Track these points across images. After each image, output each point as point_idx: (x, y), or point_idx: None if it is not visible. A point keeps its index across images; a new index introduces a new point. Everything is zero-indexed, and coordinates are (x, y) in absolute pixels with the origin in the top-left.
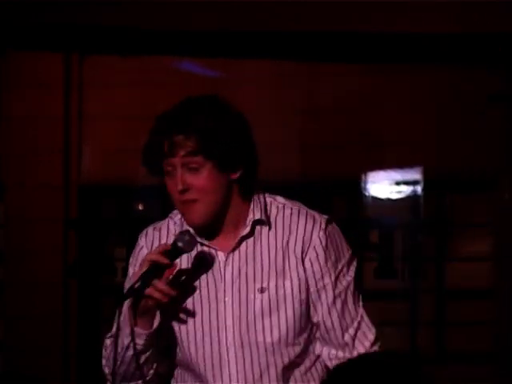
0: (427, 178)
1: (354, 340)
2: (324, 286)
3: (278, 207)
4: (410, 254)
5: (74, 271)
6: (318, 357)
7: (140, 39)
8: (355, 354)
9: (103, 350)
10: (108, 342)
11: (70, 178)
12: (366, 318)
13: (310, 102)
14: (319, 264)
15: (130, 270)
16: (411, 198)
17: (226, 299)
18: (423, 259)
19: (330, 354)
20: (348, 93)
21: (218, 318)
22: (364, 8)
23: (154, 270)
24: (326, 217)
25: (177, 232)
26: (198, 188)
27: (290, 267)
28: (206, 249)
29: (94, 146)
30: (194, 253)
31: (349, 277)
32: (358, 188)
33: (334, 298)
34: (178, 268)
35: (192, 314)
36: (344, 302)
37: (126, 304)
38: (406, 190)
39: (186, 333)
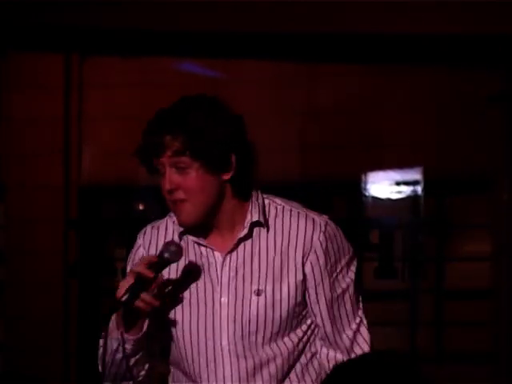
0: (427, 178)
1: (352, 343)
2: (323, 288)
3: (276, 209)
4: (410, 254)
5: (74, 271)
6: (314, 354)
7: (140, 40)
8: (353, 356)
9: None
10: (101, 342)
11: (70, 179)
12: (364, 321)
13: (310, 103)
14: (319, 267)
15: (128, 269)
16: (411, 199)
17: (222, 300)
18: (423, 259)
19: (328, 356)
20: (348, 93)
21: (213, 318)
22: (363, 9)
23: (141, 283)
24: (325, 217)
25: (175, 231)
26: (186, 188)
27: (288, 270)
28: (203, 249)
29: (94, 147)
30: (191, 251)
31: (348, 278)
32: (358, 188)
33: (334, 300)
34: (164, 279)
35: (188, 313)
36: (343, 305)
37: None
38: (405, 190)
39: (182, 332)
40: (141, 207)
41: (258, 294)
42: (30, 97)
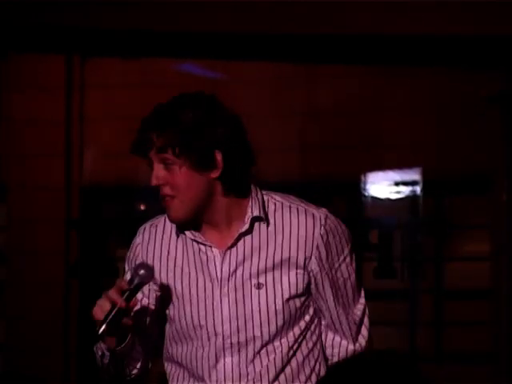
0: (426, 178)
1: (358, 330)
2: (328, 279)
3: (275, 204)
4: (410, 254)
5: (74, 271)
6: (311, 350)
7: (140, 41)
8: (357, 345)
9: None
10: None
11: (72, 179)
12: (367, 310)
13: (310, 103)
14: (322, 260)
15: (126, 267)
16: (410, 199)
17: (223, 294)
18: (422, 259)
19: (333, 341)
20: (348, 94)
21: (214, 313)
22: (363, 10)
23: (117, 311)
24: (324, 210)
25: (173, 228)
26: (173, 184)
27: (289, 264)
28: (201, 246)
29: (94, 147)
30: (190, 248)
31: (350, 267)
32: (357, 188)
33: (338, 289)
34: (138, 305)
35: (189, 310)
36: (347, 293)
37: None
38: (405, 190)
39: (184, 329)
40: (141, 207)
41: (259, 287)
42: (31, 98)
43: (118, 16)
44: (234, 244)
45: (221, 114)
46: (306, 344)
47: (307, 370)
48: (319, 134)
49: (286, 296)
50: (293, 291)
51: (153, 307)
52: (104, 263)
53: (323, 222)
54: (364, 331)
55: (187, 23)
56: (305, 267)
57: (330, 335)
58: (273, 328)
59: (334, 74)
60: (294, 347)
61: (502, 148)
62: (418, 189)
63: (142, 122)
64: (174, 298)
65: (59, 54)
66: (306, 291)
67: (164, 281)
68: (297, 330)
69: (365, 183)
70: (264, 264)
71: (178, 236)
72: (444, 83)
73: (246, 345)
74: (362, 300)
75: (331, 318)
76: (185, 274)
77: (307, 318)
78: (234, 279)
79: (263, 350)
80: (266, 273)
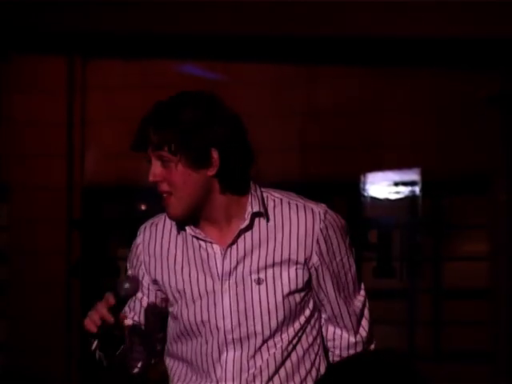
0: (425, 179)
1: (358, 322)
2: (328, 272)
3: (274, 201)
4: (409, 253)
5: (76, 271)
6: (316, 338)
7: (141, 42)
8: (358, 337)
9: None
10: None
11: (73, 180)
12: (367, 303)
13: (310, 104)
14: (322, 254)
15: (128, 266)
16: (410, 199)
17: (224, 290)
18: (421, 259)
19: (334, 334)
20: (348, 95)
21: (215, 308)
22: (363, 11)
23: (108, 327)
24: (323, 206)
25: (173, 226)
26: (170, 181)
27: (289, 260)
28: (202, 243)
29: (96, 148)
30: (190, 245)
31: (351, 261)
32: (357, 189)
33: (339, 283)
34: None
35: (192, 307)
36: (347, 286)
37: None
38: (404, 191)
39: (187, 325)
40: (142, 207)
41: (259, 282)
42: (33, 99)
43: (119, 17)
44: (235, 241)
45: (219, 112)
46: (306, 338)
47: (307, 365)
48: (319, 134)
49: (286, 291)
50: (293, 286)
51: (153, 306)
52: (105, 263)
53: (323, 216)
54: (364, 323)
55: (188, 24)
56: (305, 263)
57: (331, 328)
58: (273, 323)
59: (334, 75)
60: (294, 342)
61: (502, 148)
62: (417, 189)
63: (141, 120)
64: (176, 296)
65: (60, 55)
66: (306, 286)
67: (165, 279)
68: (297, 325)
69: (364, 183)
70: (264, 260)
71: (178, 233)
72: (444, 84)
73: (248, 339)
74: (363, 292)
75: (332, 310)
76: (185, 271)
77: (307, 312)
78: (234, 275)
79: (264, 345)
80: (266, 269)
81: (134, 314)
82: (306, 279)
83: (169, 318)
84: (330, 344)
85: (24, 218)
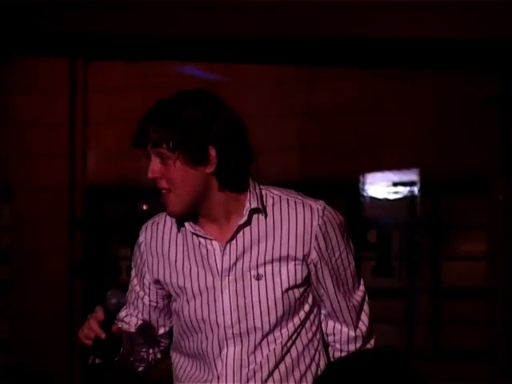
0: (425, 179)
1: (358, 317)
2: (327, 268)
3: (273, 198)
4: (408, 253)
5: (78, 271)
6: (315, 334)
7: (142, 44)
8: (358, 331)
9: None
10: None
11: (76, 180)
12: (366, 298)
13: (310, 105)
14: (320, 250)
15: (132, 264)
16: (409, 199)
17: (224, 287)
18: (420, 259)
19: (334, 329)
20: (348, 96)
21: (215, 305)
22: (363, 12)
23: (101, 342)
24: (322, 202)
25: (173, 224)
26: (169, 178)
27: (288, 256)
28: (201, 239)
29: (98, 149)
30: (190, 242)
31: (350, 257)
32: (357, 189)
33: (338, 279)
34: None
35: (193, 303)
36: (347, 282)
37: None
38: (403, 191)
39: (188, 322)
40: (144, 207)
41: (258, 278)
42: (34, 100)
43: (119, 19)
44: (234, 236)
45: (218, 111)
46: (306, 334)
47: (307, 360)
48: (319, 134)
49: (285, 287)
50: (292, 282)
51: (154, 304)
52: (107, 263)
53: (321, 213)
54: (364, 317)
55: (188, 26)
56: (304, 259)
57: (331, 323)
58: (272, 318)
59: (334, 77)
60: (294, 337)
61: (501, 148)
62: (416, 189)
63: (141, 117)
64: (177, 292)
65: (62, 57)
66: (305, 282)
67: (167, 276)
68: (296, 321)
69: (364, 183)
70: (263, 256)
71: (178, 231)
72: (443, 84)
73: (248, 335)
74: (362, 287)
75: (332, 306)
76: (186, 268)
77: (307, 308)
78: (234, 271)
79: (264, 341)
80: (265, 264)
81: (137, 312)
82: (304, 275)
83: (174, 315)
84: (330, 339)
85: (25, 218)
